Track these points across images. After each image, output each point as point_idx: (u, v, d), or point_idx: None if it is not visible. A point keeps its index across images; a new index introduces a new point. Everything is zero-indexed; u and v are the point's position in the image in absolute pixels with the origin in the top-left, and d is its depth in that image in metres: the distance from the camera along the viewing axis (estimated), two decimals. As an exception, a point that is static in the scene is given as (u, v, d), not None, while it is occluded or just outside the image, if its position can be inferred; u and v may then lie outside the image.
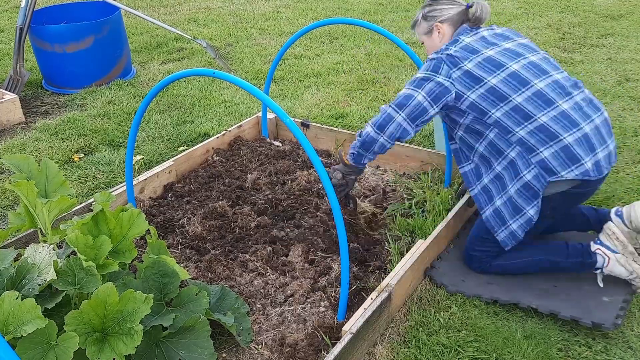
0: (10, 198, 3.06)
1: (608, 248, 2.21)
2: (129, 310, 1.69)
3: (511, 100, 2.12)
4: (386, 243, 2.49)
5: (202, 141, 3.46)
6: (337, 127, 3.64)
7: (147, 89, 4.56)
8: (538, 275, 2.33)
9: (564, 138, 2.06)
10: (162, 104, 4.27)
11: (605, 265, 2.21)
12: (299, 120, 3.47)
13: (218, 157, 3.28)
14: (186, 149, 3.36)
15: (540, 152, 2.08)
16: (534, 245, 2.33)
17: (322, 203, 2.77)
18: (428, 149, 3.08)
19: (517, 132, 2.11)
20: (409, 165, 3.11)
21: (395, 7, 6.79)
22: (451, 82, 2.17)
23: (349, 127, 3.73)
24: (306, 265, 2.39)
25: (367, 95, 4.29)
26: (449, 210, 2.57)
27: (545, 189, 2.11)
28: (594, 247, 2.23)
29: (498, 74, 2.14)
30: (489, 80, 2.14)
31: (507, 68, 2.15)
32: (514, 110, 2.12)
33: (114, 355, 1.64)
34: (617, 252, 2.19)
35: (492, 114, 2.14)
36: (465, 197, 2.63)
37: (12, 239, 2.37)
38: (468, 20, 2.32)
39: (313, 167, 3.07)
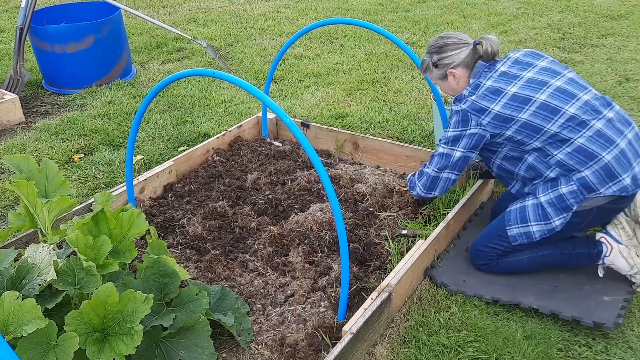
0: (10, 198, 3.06)
1: (612, 237, 2.24)
2: (129, 310, 1.69)
3: (546, 131, 2.13)
4: (386, 243, 2.49)
5: (202, 141, 3.46)
6: (337, 127, 3.64)
7: (147, 89, 4.56)
8: (539, 275, 2.33)
9: (603, 157, 2.08)
10: (162, 104, 4.27)
11: (607, 254, 2.23)
12: (299, 121, 3.47)
13: (218, 157, 3.28)
14: (186, 149, 3.36)
15: (581, 171, 2.11)
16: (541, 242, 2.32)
17: (322, 203, 2.76)
18: (428, 149, 3.08)
19: (555, 155, 2.14)
20: (409, 165, 3.11)
21: (395, 7, 6.79)
22: (483, 129, 2.21)
23: (349, 127, 3.73)
24: (306, 265, 2.39)
25: (367, 95, 4.29)
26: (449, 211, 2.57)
27: (582, 204, 2.13)
28: (599, 235, 2.27)
29: (527, 109, 2.15)
30: (519, 117, 2.15)
31: (534, 101, 2.15)
32: (550, 138, 2.14)
33: (114, 355, 1.64)
34: (621, 243, 2.22)
35: (530, 143, 2.18)
36: (466, 197, 2.62)
37: (12, 239, 2.37)
38: (480, 57, 2.31)
39: (313, 167, 3.07)
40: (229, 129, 3.45)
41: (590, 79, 4.32)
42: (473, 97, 2.24)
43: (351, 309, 2.10)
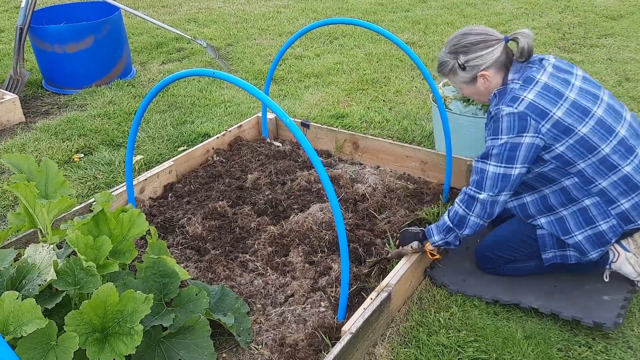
0: (10, 198, 3.06)
1: (620, 244, 2.17)
2: (129, 310, 1.69)
3: (599, 152, 1.94)
4: (386, 243, 2.49)
5: (202, 141, 3.46)
6: (337, 127, 3.64)
7: (147, 89, 4.56)
8: (539, 275, 2.32)
9: None
10: (162, 104, 4.27)
11: (614, 260, 2.17)
12: (299, 121, 3.47)
13: (218, 157, 3.28)
14: (186, 149, 3.36)
15: (622, 204, 1.99)
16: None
17: (322, 203, 2.76)
18: (428, 149, 3.08)
19: (599, 183, 1.98)
20: (409, 165, 3.11)
21: (395, 7, 6.79)
22: (541, 138, 1.93)
23: (349, 127, 3.73)
24: (306, 265, 2.39)
25: (367, 95, 4.29)
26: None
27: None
28: None
29: (587, 122, 1.93)
30: (579, 130, 1.93)
31: (593, 114, 1.95)
32: (600, 162, 1.96)
33: (114, 355, 1.64)
34: (628, 251, 2.16)
35: (578, 164, 1.97)
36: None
37: (12, 239, 2.37)
38: (512, 54, 2.05)
39: (313, 167, 3.07)
40: (229, 129, 3.45)
41: (590, 79, 4.33)
42: (530, 95, 1.92)
43: (351, 308, 2.10)
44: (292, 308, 2.16)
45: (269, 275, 2.35)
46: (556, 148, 1.95)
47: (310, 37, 5.72)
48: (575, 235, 2.08)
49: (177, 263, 2.26)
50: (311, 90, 4.44)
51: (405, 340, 2.08)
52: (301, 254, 2.44)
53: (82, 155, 3.53)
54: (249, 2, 7.37)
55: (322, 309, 2.13)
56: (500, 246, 2.28)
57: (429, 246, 2.21)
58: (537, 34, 5.50)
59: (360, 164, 3.24)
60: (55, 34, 4.34)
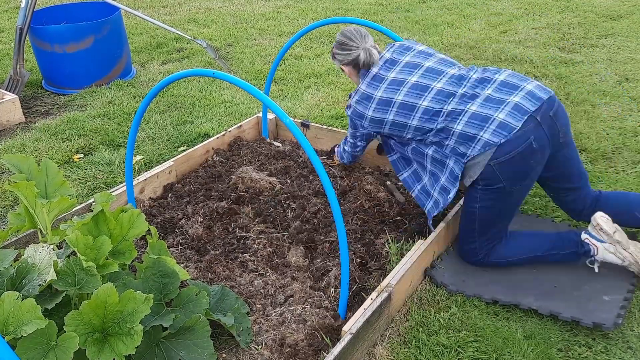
0: (10, 198, 3.06)
1: (595, 238, 2.29)
2: (129, 310, 1.69)
3: (419, 106, 2.31)
4: (386, 243, 2.49)
5: (202, 141, 3.46)
6: (337, 127, 3.64)
7: (147, 89, 4.56)
8: (539, 275, 2.33)
9: (454, 129, 2.24)
10: (162, 104, 4.27)
11: (595, 253, 2.28)
12: (299, 121, 3.47)
13: (218, 158, 3.28)
14: (186, 149, 3.36)
15: (447, 145, 2.28)
16: (530, 238, 2.41)
17: (322, 203, 2.76)
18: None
19: (428, 137, 2.34)
20: (409, 166, 3.11)
21: (395, 7, 6.79)
22: (368, 130, 2.52)
23: (349, 127, 3.73)
24: (306, 265, 2.39)
25: (367, 95, 4.28)
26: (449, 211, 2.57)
27: (472, 169, 2.24)
28: (583, 236, 2.32)
29: (392, 110, 2.37)
30: (395, 99, 2.35)
31: (406, 82, 2.36)
32: (424, 113, 2.31)
33: (114, 355, 1.64)
34: (604, 242, 2.26)
35: (409, 124, 2.35)
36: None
37: (12, 239, 2.37)
38: (364, 64, 2.48)
39: (313, 168, 3.07)
40: (228, 129, 3.45)
41: (590, 79, 4.33)
42: (353, 101, 2.50)
43: (351, 309, 2.10)
44: (292, 308, 2.16)
45: (269, 275, 2.35)
46: (383, 128, 2.43)
47: (310, 37, 5.72)
48: (441, 179, 2.38)
49: (177, 263, 2.27)
50: (311, 90, 4.44)
51: (405, 341, 2.08)
52: (301, 254, 2.44)
53: (82, 155, 3.53)
54: (249, 2, 7.37)
55: (322, 309, 2.13)
56: (465, 234, 2.40)
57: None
58: (537, 34, 5.50)
59: (360, 164, 3.23)
60: (55, 34, 4.34)
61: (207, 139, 3.43)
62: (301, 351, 1.95)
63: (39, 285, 1.75)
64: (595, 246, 2.28)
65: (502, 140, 2.14)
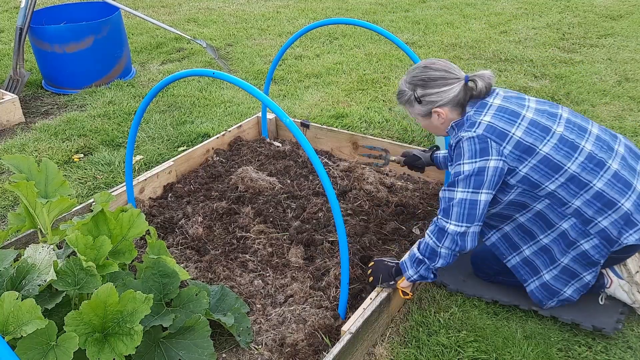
0: (10, 198, 3.06)
1: (614, 271, 2.14)
2: (129, 310, 1.69)
3: (566, 170, 1.88)
4: (386, 243, 2.49)
5: (202, 141, 3.46)
6: (337, 127, 3.64)
7: (147, 89, 4.56)
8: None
9: (622, 205, 1.88)
10: (162, 104, 4.27)
11: (607, 286, 2.15)
12: (299, 121, 3.47)
13: (218, 158, 3.28)
14: (186, 149, 3.36)
15: (599, 222, 1.90)
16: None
17: (322, 203, 2.76)
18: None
19: (572, 203, 1.91)
20: (409, 166, 3.11)
21: (395, 7, 6.79)
22: (504, 161, 1.87)
23: (349, 127, 3.73)
24: (306, 265, 2.39)
25: (367, 95, 4.29)
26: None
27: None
28: None
29: (548, 140, 1.88)
30: (541, 149, 1.88)
31: (554, 132, 1.90)
32: (568, 180, 1.89)
33: (114, 355, 1.64)
34: (621, 278, 2.13)
35: (546, 186, 1.91)
36: None
37: (12, 240, 2.37)
38: (472, 95, 1.99)
39: (313, 168, 3.07)
40: (228, 129, 3.45)
41: (590, 78, 4.33)
42: (487, 118, 1.89)
43: (351, 309, 2.10)
44: (292, 308, 2.16)
45: (269, 275, 2.35)
46: (520, 170, 1.89)
47: (310, 37, 5.72)
48: (563, 260, 2.01)
49: (177, 263, 2.26)
50: (311, 90, 4.44)
51: (405, 340, 2.08)
52: (301, 254, 2.44)
53: (82, 155, 3.53)
54: (249, 2, 7.37)
55: (322, 309, 2.13)
56: (487, 256, 2.26)
57: (401, 283, 2.06)
58: (537, 34, 5.50)
59: (361, 164, 3.23)
60: (55, 34, 4.34)
61: (207, 139, 3.43)
62: (301, 351, 1.95)
63: (39, 285, 1.75)
64: (611, 279, 2.12)
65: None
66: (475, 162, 1.87)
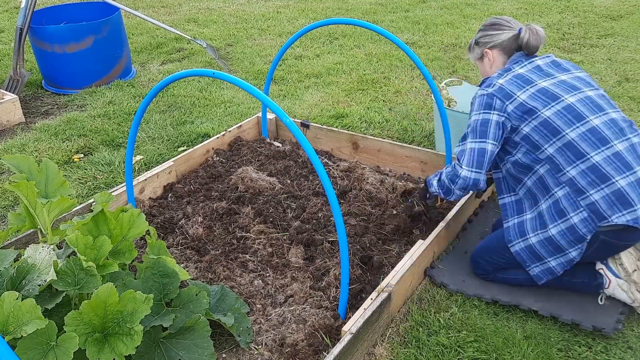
0: (10, 198, 3.06)
1: (611, 271, 2.16)
2: (129, 310, 1.69)
3: (564, 135, 2.02)
4: (386, 243, 2.49)
5: (202, 141, 3.46)
6: (337, 127, 3.64)
7: (147, 89, 4.56)
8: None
9: (617, 181, 1.95)
10: (162, 104, 4.27)
11: (605, 286, 2.16)
12: (299, 121, 3.47)
13: (218, 158, 3.28)
14: (186, 150, 3.36)
15: (590, 194, 1.98)
16: None
17: (322, 203, 2.77)
18: (428, 149, 3.08)
19: (568, 171, 2.02)
20: (409, 166, 3.11)
21: (395, 7, 6.79)
22: (506, 117, 2.11)
23: (349, 127, 3.73)
24: (306, 265, 2.39)
25: (367, 95, 4.29)
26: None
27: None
28: (598, 266, 2.19)
29: (552, 106, 2.05)
30: (542, 113, 2.06)
31: (562, 100, 2.06)
32: (565, 147, 2.02)
33: (114, 355, 1.64)
34: (619, 277, 2.15)
35: (544, 149, 2.06)
36: (466, 196, 2.62)
37: (12, 240, 2.37)
38: (520, 47, 2.22)
39: (313, 168, 3.07)
40: (228, 129, 3.45)
41: (590, 79, 4.33)
42: (501, 81, 2.15)
43: (351, 309, 2.10)
44: (292, 308, 2.16)
45: (269, 275, 2.35)
46: (522, 129, 2.10)
47: (310, 37, 5.72)
48: (551, 229, 2.08)
49: (177, 263, 2.27)
50: (311, 90, 4.44)
51: (405, 341, 2.08)
52: (301, 254, 2.44)
53: (82, 155, 3.53)
54: (249, 2, 7.37)
55: (322, 309, 2.13)
56: (488, 251, 2.30)
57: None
58: (537, 34, 5.50)
59: (360, 164, 3.24)
60: (55, 34, 4.34)
61: (207, 139, 3.43)
62: (301, 351, 1.95)
63: (39, 285, 1.75)
64: (609, 279, 2.15)
65: None
66: (480, 113, 2.15)
